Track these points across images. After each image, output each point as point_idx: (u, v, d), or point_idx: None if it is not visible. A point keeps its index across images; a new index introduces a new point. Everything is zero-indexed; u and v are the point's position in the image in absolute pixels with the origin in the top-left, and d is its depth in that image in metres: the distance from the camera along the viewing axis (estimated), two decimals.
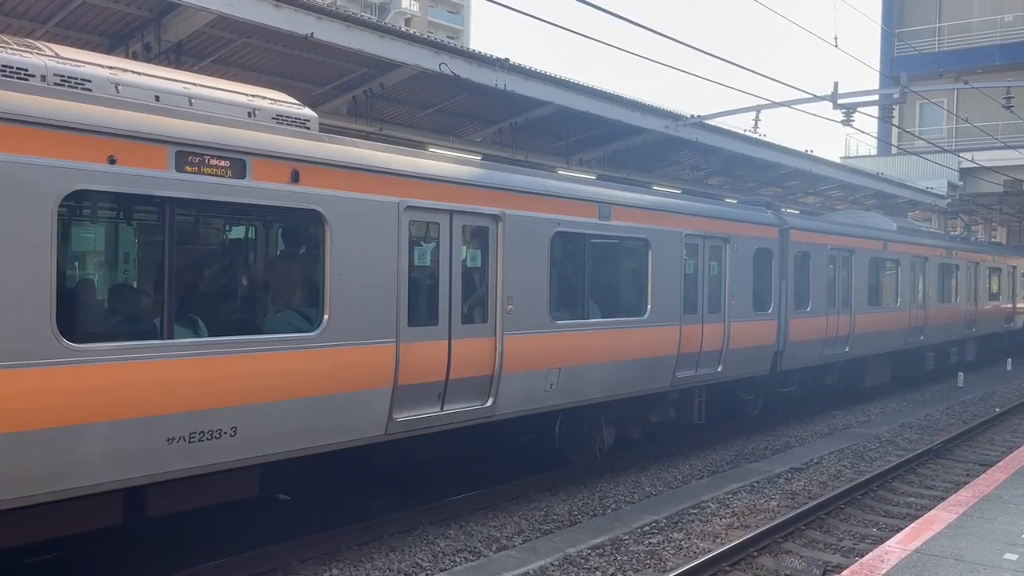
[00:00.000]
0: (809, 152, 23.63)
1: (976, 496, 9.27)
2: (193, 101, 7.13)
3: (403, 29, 13.33)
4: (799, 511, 9.95)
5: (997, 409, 18.95)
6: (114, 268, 7.41)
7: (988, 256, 27.58)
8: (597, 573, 8.11)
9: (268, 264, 8.46)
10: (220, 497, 7.41)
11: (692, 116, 18.42)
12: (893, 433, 15.99)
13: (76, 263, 6.86)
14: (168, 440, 6.57)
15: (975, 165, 28.31)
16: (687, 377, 12.67)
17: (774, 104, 17.81)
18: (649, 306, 11.77)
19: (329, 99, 14.09)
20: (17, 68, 6.23)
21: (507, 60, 13.87)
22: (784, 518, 9.64)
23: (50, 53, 6.65)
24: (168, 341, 6.61)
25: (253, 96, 7.74)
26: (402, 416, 8.42)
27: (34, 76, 6.30)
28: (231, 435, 6.95)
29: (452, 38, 40.35)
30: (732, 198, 17.91)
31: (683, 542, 9.09)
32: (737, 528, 9.66)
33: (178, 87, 7.14)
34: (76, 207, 6.56)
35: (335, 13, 11.50)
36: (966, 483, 10.74)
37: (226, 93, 7.52)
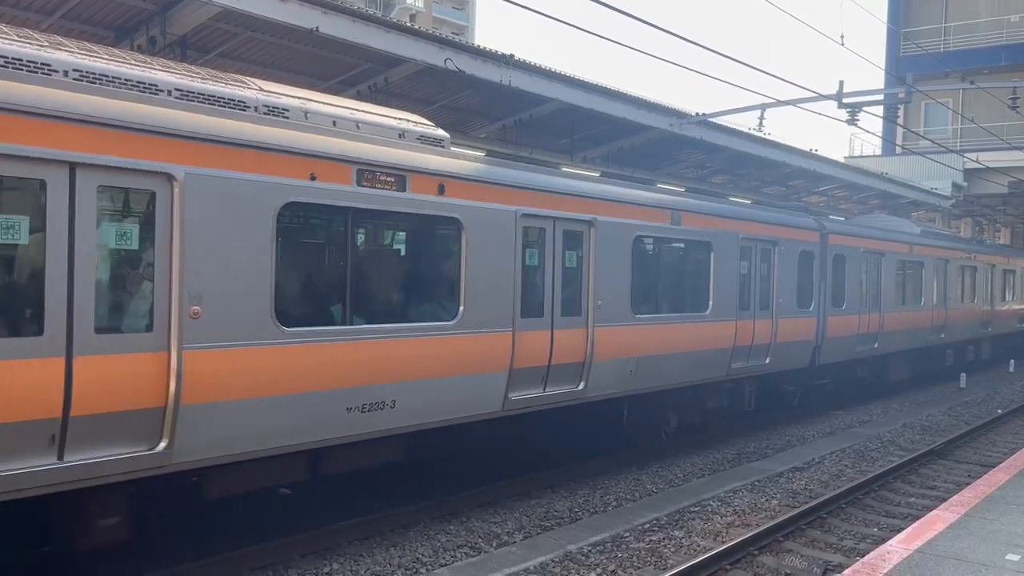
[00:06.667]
0: (813, 151, 23.59)
1: (978, 497, 9.26)
2: (360, 125, 8.39)
3: (408, 25, 13.32)
4: (800, 510, 9.95)
5: (999, 410, 18.92)
6: (311, 266, 8.37)
7: (1003, 258, 28.58)
8: (598, 570, 8.11)
9: (420, 263, 9.38)
10: (374, 461, 8.80)
11: (696, 114, 18.39)
12: (895, 433, 15.98)
13: (286, 263, 7.69)
14: (347, 409, 7.86)
15: (980, 166, 28.22)
16: (740, 368, 13.89)
17: (779, 103, 17.78)
18: (711, 302, 13.05)
19: (334, 93, 14.05)
20: (238, 100, 7.39)
21: (512, 56, 13.85)
22: (785, 517, 9.64)
23: (255, 87, 7.79)
24: (349, 327, 7.95)
25: (401, 119, 9.04)
26: (515, 395, 9.71)
27: (249, 107, 7.46)
28: (391, 407, 8.26)
29: (457, 35, 40.30)
30: (772, 204, 18.31)
31: (684, 540, 9.09)
32: (738, 527, 9.65)
33: (347, 113, 8.38)
34: (288, 216, 7.62)
35: (340, 8, 11.48)
36: (968, 484, 10.72)
37: (381, 117, 8.79)
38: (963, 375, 23.75)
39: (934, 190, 30.10)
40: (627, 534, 9.20)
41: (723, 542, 8.91)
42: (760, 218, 14.51)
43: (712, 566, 8.21)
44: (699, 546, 8.92)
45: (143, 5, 10.98)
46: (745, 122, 22.49)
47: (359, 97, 14.07)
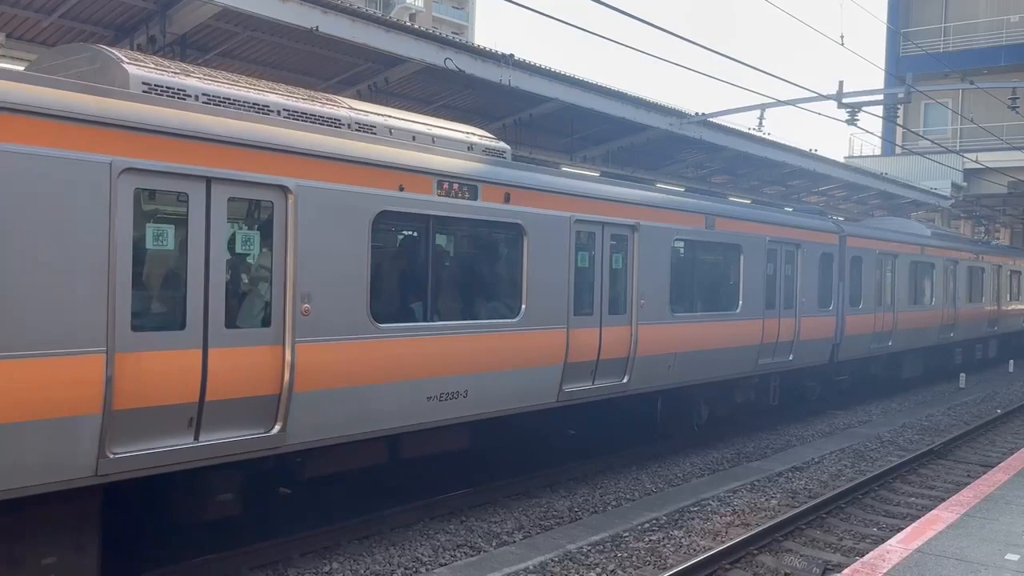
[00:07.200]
0: (813, 151, 23.59)
1: (977, 497, 9.26)
2: (435, 139, 9.08)
3: (408, 24, 13.32)
4: (799, 510, 9.95)
5: (999, 410, 18.93)
6: (399, 268, 8.97)
7: (1010, 259, 29.05)
8: (597, 569, 8.11)
9: (488, 265, 10.01)
10: (443, 448, 9.48)
11: (696, 114, 18.38)
12: (894, 433, 15.98)
13: (379, 265, 8.33)
14: (427, 398, 8.61)
15: (979, 166, 28.24)
16: (766, 364, 14.64)
17: (779, 103, 17.79)
18: (741, 302, 13.74)
19: (334, 93, 14.07)
20: (333, 118, 8.10)
21: (512, 56, 13.84)
22: (784, 517, 9.64)
23: (346, 105, 8.49)
24: (431, 323, 8.70)
25: (469, 133, 9.73)
26: (569, 387, 10.41)
27: (343, 125, 8.15)
28: (464, 396, 9.03)
29: (457, 34, 40.25)
30: (789, 207, 18.58)
31: (683, 540, 9.09)
32: (737, 526, 9.66)
33: (422, 128, 9.07)
34: (381, 223, 8.27)
35: (340, 7, 11.48)
36: (967, 484, 10.72)
37: (452, 132, 9.48)
38: (962, 375, 23.76)
39: (934, 190, 30.10)
40: (627, 534, 9.20)
41: (722, 542, 8.92)
42: (785, 221, 15.21)
43: (711, 566, 8.21)
44: (699, 546, 8.92)
45: (143, 4, 10.97)
46: (745, 122, 22.53)
47: (359, 97, 14.07)
